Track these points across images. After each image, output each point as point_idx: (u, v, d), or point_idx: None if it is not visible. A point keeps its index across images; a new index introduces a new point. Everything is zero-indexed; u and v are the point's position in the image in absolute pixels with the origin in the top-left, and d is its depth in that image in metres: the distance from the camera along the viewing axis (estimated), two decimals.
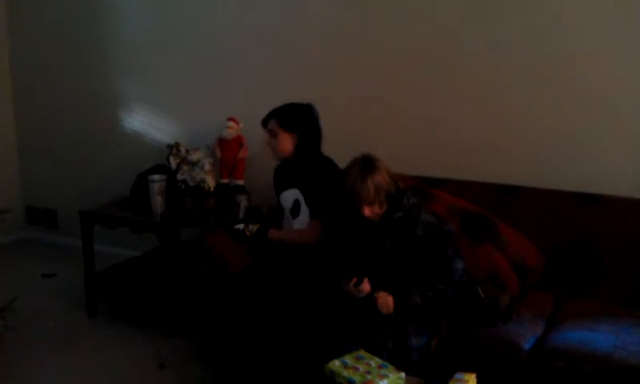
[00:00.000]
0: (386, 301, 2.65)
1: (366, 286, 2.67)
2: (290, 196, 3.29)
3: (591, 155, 3.28)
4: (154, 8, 4.45)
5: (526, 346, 2.57)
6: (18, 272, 4.59)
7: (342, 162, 3.13)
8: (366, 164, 2.73)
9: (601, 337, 2.55)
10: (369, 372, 2.26)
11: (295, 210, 3.26)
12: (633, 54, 3.15)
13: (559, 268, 3.08)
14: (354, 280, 2.65)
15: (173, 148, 4.08)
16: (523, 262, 3.02)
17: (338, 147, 3.21)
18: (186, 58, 4.38)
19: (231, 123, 4.01)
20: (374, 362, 2.33)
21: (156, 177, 3.77)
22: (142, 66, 4.57)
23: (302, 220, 3.24)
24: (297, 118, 3.26)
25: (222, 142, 4.06)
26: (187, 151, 4.06)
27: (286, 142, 3.24)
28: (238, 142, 4.05)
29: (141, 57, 4.56)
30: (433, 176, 3.40)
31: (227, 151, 4.05)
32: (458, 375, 2.26)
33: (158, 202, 3.76)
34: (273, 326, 2.88)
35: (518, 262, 3.01)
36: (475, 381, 2.25)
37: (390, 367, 2.30)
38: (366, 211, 2.71)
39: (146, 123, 4.60)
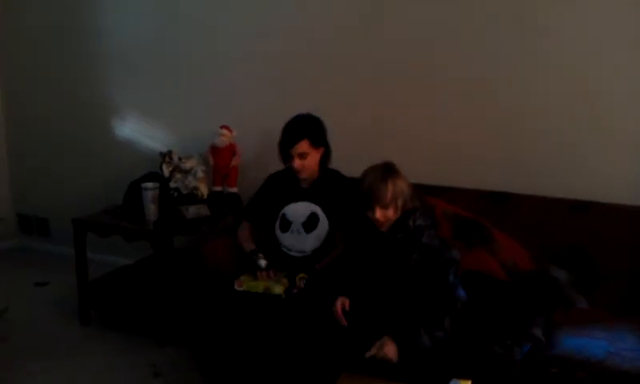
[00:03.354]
0: (389, 350, 2.52)
1: (338, 310, 2.69)
2: (302, 209, 3.19)
3: (582, 162, 3.29)
4: (146, 15, 4.45)
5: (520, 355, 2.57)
6: (10, 281, 4.56)
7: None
8: (387, 168, 2.73)
9: (595, 343, 2.56)
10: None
11: (311, 223, 3.16)
12: (621, 60, 3.17)
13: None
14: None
15: (165, 156, 4.06)
16: (516, 268, 3.03)
17: (334, 156, 3.23)
18: (179, 65, 4.38)
19: (224, 131, 4.00)
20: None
21: (149, 185, 3.77)
22: (135, 73, 4.56)
23: (319, 234, 3.16)
24: (322, 131, 3.14)
25: (215, 149, 4.05)
26: (180, 159, 4.05)
27: (315, 159, 3.12)
28: (231, 149, 4.04)
29: (133, 65, 4.55)
30: (425, 183, 3.39)
31: (220, 159, 4.04)
32: (453, 382, 2.27)
33: (151, 209, 3.77)
34: (268, 333, 2.87)
35: (511, 268, 3.02)
36: None
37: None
38: (378, 213, 2.68)
39: (139, 131, 4.59)
